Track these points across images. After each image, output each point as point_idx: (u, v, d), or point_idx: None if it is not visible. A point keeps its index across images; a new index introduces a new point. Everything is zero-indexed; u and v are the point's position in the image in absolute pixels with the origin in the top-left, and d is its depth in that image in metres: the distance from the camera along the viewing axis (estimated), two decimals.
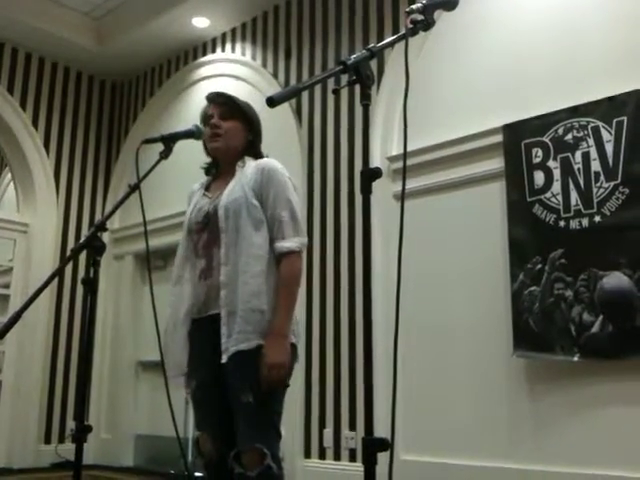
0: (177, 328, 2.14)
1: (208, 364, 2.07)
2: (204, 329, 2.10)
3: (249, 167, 2.20)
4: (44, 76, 6.13)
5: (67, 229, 6.07)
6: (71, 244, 6.00)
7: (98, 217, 6.22)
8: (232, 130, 2.23)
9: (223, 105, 2.27)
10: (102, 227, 2.07)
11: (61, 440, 5.70)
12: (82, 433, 1.98)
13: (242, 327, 1.99)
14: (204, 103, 2.33)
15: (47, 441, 5.65)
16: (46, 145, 6.03)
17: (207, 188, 2.30)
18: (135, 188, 2.09)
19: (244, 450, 1.96)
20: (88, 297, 2.13)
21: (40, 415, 5.63)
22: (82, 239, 2.02)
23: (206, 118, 2.27)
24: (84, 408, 2.12)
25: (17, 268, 5.80)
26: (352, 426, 4.16)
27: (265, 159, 2.23)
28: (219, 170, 2.31)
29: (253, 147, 2.28)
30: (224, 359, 2.00)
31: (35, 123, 5.99)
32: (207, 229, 2.15)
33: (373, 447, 1.35)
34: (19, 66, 5.97)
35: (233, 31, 5.62)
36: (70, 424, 5.74)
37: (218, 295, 2.07)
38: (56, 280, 5.68)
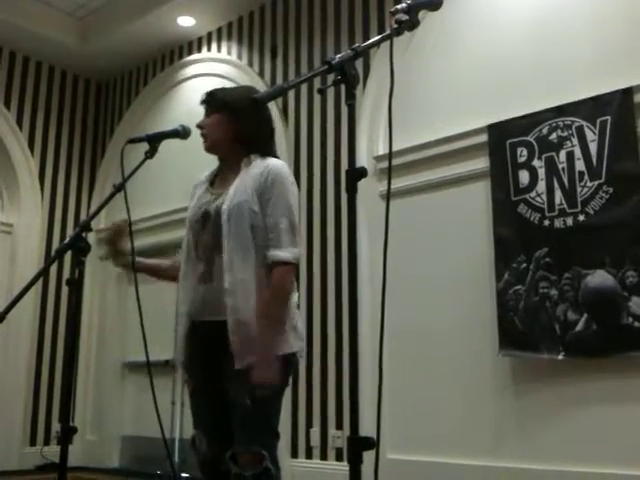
0: (179, 324, 2.11)
1: (204, 367, 2.06)
2: (201, 333, 2.06)
3: (255, 167, 2.10)
4: (28, 75, 6.08)
5: (52, 229, 6.02)
6: (56, 244, 5.94)
7: (83, 217, 6.17)
8: (212, 124, 2.17)
9: (206, 103, 2.22)
10: (87, 227, 2.05)
11: (46, 442, 5.65)
12: (67, 435, 1.97)
13: (253, 335, 1.96)
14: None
15: (32, 443, 5.60)
16: (30, 144, 5.99)
17: (212, 182, 2.23)
18: (120, 188, 2.08)
19: (241, 452, 1.94)
20: (73, 298, 2.12)
21: (25, 417, 5.58)
22: (67, 239, 2.01)
23: None
24: (69, 409, 2.10)
25: (1, 268, 5.74)
26: (339, 425, 4.17)
27: (272, 161, 2.11)
28: (224, 164, 2.23)
29: (248, 137, 2.15)
30: (238, 365, 1.95)
31: (19, 122, 5.94)
32: (207, 230, 2.09)
33: (358, 446, 1.35)
34: (3, 65, 5.92)
35: (219, 30, 5.60)
36: (55, 426, 5.69)
37: (217, 301, 2.01)
38: (41, 281, 5.63)
